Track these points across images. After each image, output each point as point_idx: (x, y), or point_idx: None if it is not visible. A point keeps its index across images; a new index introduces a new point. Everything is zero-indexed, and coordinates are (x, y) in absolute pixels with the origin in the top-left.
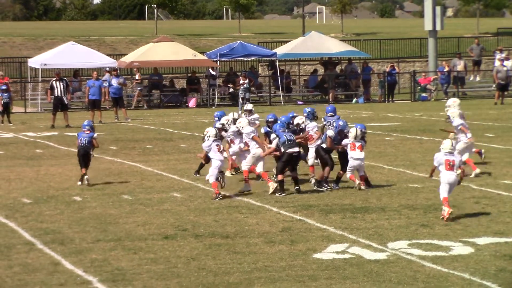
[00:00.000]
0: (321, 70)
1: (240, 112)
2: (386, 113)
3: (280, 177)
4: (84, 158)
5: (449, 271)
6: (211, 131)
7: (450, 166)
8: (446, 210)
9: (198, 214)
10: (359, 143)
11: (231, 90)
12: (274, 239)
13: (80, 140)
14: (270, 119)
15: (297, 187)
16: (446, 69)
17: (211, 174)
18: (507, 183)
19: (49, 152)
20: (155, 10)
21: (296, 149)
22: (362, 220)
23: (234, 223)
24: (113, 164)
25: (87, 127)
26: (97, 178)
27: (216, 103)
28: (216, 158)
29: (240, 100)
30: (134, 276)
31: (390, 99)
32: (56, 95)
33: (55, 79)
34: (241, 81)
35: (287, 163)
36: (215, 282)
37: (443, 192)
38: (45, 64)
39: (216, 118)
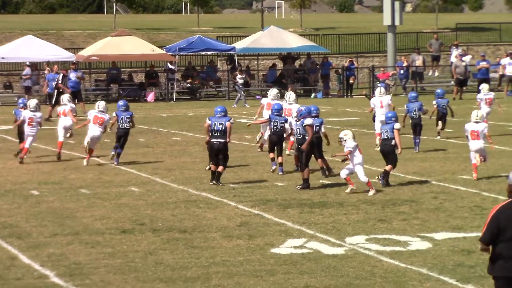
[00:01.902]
0: (280, 65)
1: (235, 105)
2: (345, 108)
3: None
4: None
5: (407, 266)
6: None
7: (476, 135)
8: (474, 175)
9: (156, 209)
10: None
11: (189, 84)
12: (232, 234)
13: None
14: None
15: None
16: (405, 64)
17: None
18: (465, 178)
19: (7, 146)
20: (114, 4)
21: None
22: (320, 215)
23: (192, 218)
24: (70, 158)
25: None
26: (54, 172)
27: (174, 98)
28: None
29: (240, 95)
30: (91, 270)
31: (349, 94)
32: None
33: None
34: (238, 76)
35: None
36: (172, 277)
37: (472, 158)
38: (3, 58)
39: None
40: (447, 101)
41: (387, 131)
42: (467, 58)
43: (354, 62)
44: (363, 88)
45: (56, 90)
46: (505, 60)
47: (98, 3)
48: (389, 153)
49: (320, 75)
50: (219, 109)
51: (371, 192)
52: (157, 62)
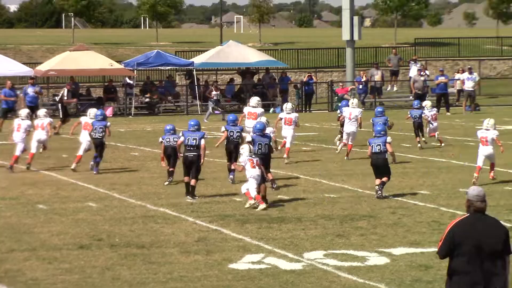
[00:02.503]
0: (238, 80)
1: (205, 120)
2: (304, 123)
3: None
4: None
5: (365, 281)
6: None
7: (485, 141)
8: (474, 176)
9: (114, 224)
10: (256, 159)
11: (147, 99)
12: (189, 249)
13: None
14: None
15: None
16: (364, 79)
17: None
18: (423, 194)
19: None
20: (72, 19)
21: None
22: (278, 230)
23: (149, 233)
24: (28, 173)
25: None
26: (11, 188)
27: (132, 112)
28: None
29: (210, 109)
30: (48, 286)
31: (308, 109)
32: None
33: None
34: (213, 92)
35: None
36: None
37: (478, 161)
38: None
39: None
40: (421, 112)
41: (379, 145)
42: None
43: (313, 77)
44: (322, 103)
45: (60, 104)
46: (463, 75)
47: (57, 17)
48: (382, 165)
49: (279, 90)
50: (192, 123)
51: (260, 207)
52: (115, 77)
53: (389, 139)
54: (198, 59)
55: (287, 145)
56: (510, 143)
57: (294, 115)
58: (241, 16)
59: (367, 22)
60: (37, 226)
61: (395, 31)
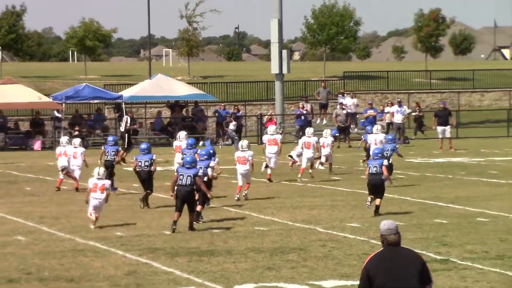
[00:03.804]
0: (168, 113)
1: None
2: (233, 156)
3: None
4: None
5: None
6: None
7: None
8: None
9: (43, 258)
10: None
11: (76, 132)
12: (119, 283)
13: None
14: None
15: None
16: (307, 107)
17: None
18: (353, 226)
19: None
20: (0, 52)
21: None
22: (208, 263)
23: (79, 267)
24: None
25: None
26: None
27: None
28: None
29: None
30: None
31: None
32: None
33: None
34: (232, 123)
35: None
36: None
37: None
38: None
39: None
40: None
41: (376, 166)
42: (354, 101)
43: (240, 110)
44: (252, 136)
45: (127, 134)
46: (393, 108)
47: None
48: (379, 186)
49: (216, 123)
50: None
51: None
52: (44, 110)
53: (385, 162)
54: (126, 92)
55: (303, 165)
56: (439, 175)
57: (314, 139)
58: (170, 50)
59: (296, 56)
60: None
61: (324, 65)
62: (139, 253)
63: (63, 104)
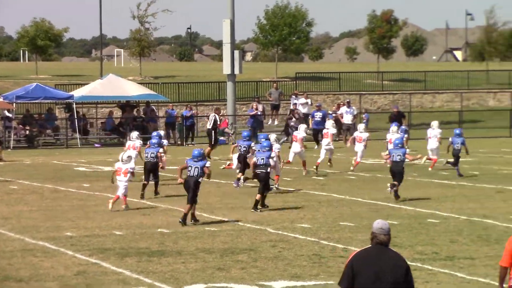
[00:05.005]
0: (119, 113)
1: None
2: (184, 156)
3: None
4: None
5: None
6: None
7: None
8: None
9: None
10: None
11: (27, 132)
12: (69, 283)
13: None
14: None
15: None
16: (259, 109)
17: None
18: (304, 227)
19: None
20: None
21: None
22: (158, 263)
23: (28, 267)
24: None
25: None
26: None
27: (11, 145)
28: None
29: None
30: None
31: (189, 142)
32: None
33: None
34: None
35: None
36: None
37: None
38: None
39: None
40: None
41: (399, 155)
42: (308, 101)
43: (192, 109)
44: (203, 137)
45: (213, 131)
46: (342, 109)
47: None
48: (399, 173)
49: (166, 124)
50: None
51: None
52: None
53: (408, 150)
54: (78, 92)
55: (358, 159)
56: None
57: (365, 135)
58: (122, 50)
59: (248, 56)
60: None
61: (276, 65)
62: (89, 253)
63: (14, 104)
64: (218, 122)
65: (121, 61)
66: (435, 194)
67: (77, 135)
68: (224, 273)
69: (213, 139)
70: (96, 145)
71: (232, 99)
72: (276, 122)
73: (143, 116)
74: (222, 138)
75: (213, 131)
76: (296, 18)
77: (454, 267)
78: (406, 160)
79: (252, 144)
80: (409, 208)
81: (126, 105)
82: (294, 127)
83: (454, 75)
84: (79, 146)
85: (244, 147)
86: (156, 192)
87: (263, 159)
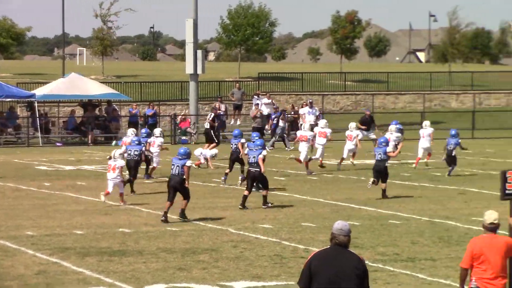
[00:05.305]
0: (81, 112)
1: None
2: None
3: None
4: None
5: None
6: None
7: None
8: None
9: None
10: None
11: None
12: (29, 282)
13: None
14: None
15: None
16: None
17: None
18: (265, 227)
19: None
20: None
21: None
22: (119, 263)
23: None
24: None
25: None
26: None
27: None
28: None
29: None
30: None
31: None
32: None
33: None
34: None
35: None
36: None
37: None
38: None
39: None
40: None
41: (380, 154)
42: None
43: (154, 108)
44: (165, 136)
45: (211, 129)
46: (304, 109)
47: None
48: (380, 171)
49: (129, 123)
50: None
51: None
52: None
53: (389, 148)
54: (39, 91)
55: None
56: (352, 177)
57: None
58: (84, 49)
59: (211, 56)
60: None
61: (239, 65)
62: (50, 253)
63: None
64: (216, 121)
65: (84, 60)
66: (396, 195)
67: (39, 134)
68: (185, 273)
69: (210, 138)
70: (58, 144)
71: (194, 98)
72: (238, 122)
73: (105, 115)
74: (184, 138)
75: (211, 130)
76: (259, 18)
77: (415, 268)
78: (395, 156)
79: (243, 140)
80: (371, 209)
81: (88, 104)
82: (283, 128)
83: (417, 76)
84: (40, 145)
85: (234, 145)
86: (132, 190)
87: (254, 157)
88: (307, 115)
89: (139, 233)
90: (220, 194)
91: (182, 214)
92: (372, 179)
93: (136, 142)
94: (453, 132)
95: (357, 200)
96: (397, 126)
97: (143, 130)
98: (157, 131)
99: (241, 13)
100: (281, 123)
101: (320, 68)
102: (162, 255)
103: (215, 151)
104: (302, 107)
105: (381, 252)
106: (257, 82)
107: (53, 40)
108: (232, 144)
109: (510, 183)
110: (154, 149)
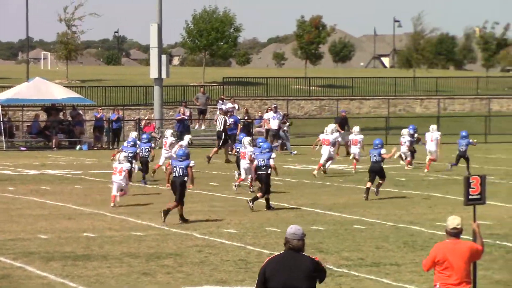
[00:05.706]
0: (45, 116)
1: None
2: (109, 160)
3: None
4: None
5: None
6: None
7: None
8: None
9: None
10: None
11: None
12: None
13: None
14: None
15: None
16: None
17: None
18: (230, 232)
19: None
20: None
21: None
22: (83, 267)
23: None
24: None
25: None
26: None
27: None
28: None
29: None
30: None
31: (116, 146)
32: None
33: None
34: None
35: None
36: None
37: None
38: None
39: None
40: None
41: (375, 155)
42: (235, 106)
43: (118, 113)
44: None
45: (223, 132)
46: (269, 115)
47: None
48: (379, 171)
49: (94, 128)
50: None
51: None
52: None
53: (383, 150)
54: (3, 95)
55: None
56: (317, 182)
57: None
58: (48, 53)
59: (176, 61)
60: None
61: (204, 70)
62: (13, 257)
63: None
64: (228, 124)
65: (48, 64)
66: (360, 200)
67: (3, 138)
68: (150, 277)
69: (222, 141)
70: (22, 148)
71: (159, 103)
72: (203, 127)
73: (69, 119)
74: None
75: (223, 133)
76: (224, 23)
77: (380, 273)
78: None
79: (251, 149)
80: (335, 214)
81: (52, 108)
82: (287, 131)
83: (382, 81)
84: (4, 149)
85: (238, 148)
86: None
87: (263, 160)
88: (271, 120)
89: (103, 238)
90: (185, 199)
91: (182, 218)
92: (368, 184)
93: (132, 143)
94: (463, 133)
95: (321, 205)
96: (410, 131)
97: (144, 136)
98: (168, 132)
99: (205, 18)
100: (285, 127)
101: (285, 73)
102: (126, 260)
103: None
104: (266, 112)
105: (345, 257)
106: (221, 86)
107: (17, 44)
108: (238, 148)
109: (473, 188)
110: (165, 149)
